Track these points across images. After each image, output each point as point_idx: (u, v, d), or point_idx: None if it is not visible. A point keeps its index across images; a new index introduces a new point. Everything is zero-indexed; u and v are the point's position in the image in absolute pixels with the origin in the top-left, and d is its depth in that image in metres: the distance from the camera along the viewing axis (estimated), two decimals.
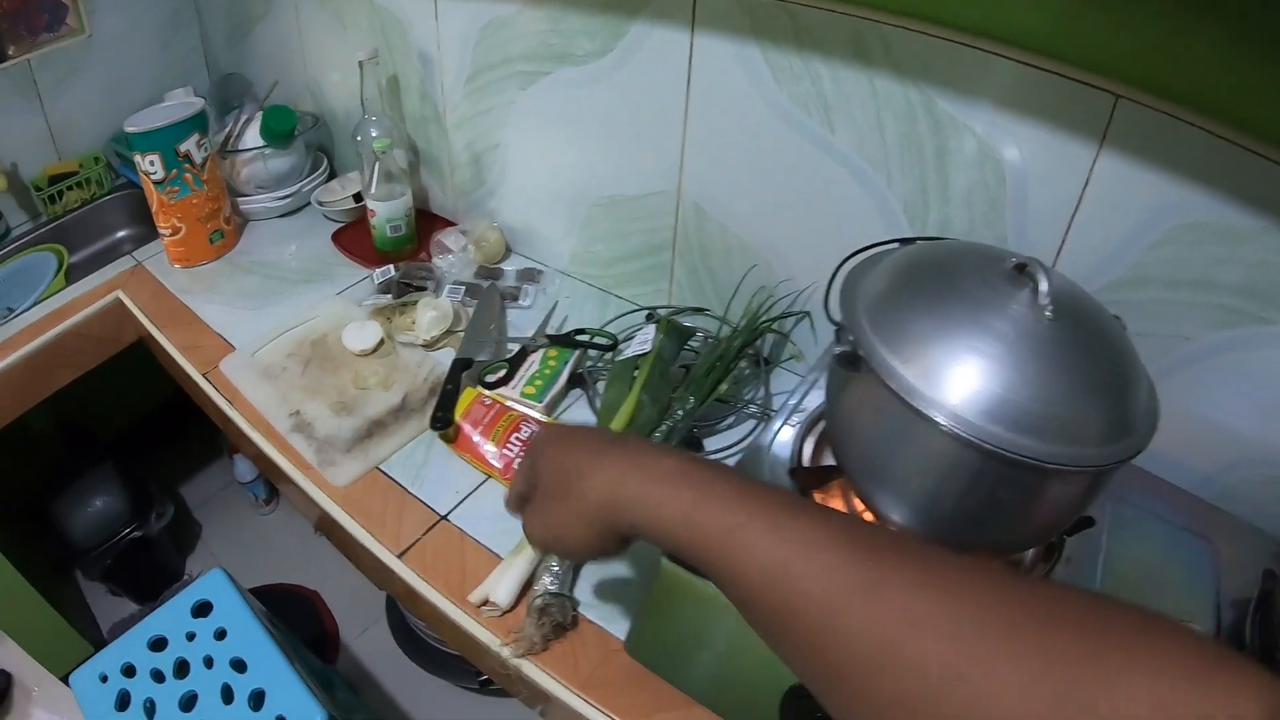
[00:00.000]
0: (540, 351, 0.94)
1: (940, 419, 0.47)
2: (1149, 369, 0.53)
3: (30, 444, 1.50)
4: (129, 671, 0.95)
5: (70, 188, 1.35)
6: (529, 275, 1.11)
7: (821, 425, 0.70)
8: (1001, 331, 0.48)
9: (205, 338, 1.06)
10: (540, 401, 0.89)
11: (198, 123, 1.12)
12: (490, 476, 0.84)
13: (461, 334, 0.99)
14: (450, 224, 1.19)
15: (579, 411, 0.93)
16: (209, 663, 0.96)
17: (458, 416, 0.86)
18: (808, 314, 0.92)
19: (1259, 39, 0.54)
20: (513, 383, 0.91)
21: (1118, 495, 0.66)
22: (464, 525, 0.80)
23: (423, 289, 1.06)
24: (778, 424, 0.70)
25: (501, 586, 0.71)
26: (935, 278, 0.54)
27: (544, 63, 0.97)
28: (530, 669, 0.69)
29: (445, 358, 0.97)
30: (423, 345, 0.99)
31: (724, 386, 0.85)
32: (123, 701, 0.93)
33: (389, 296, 1.04)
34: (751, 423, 0.90)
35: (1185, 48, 0.58)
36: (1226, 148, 0.58)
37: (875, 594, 0.33)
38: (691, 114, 0.88)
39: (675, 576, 0.62)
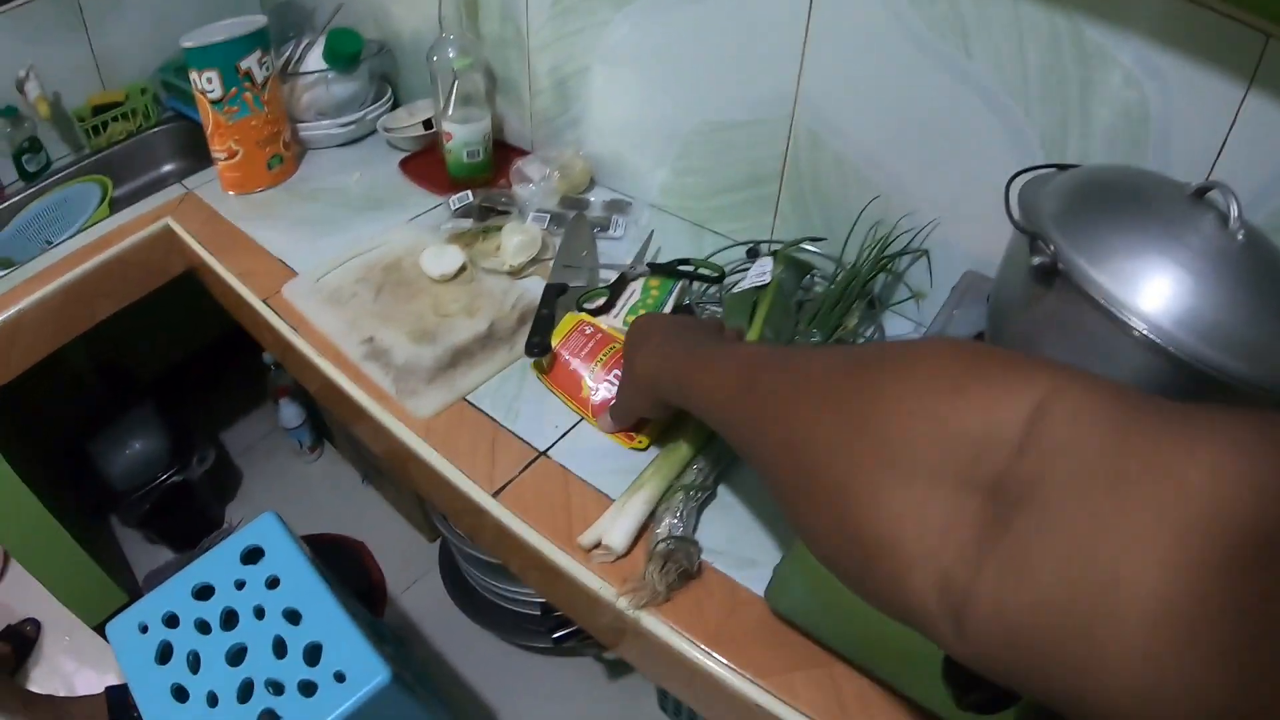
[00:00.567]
0: (641, 280, 0.85)
1: (1142, 328, 0.47)
2: None
3: (68, 382, 1.43)
4: (171, 621, 0.87)
5: (115, 119, 1.28)
6: (616, 206, 1.02)
7: None
8: (1198, 248, 0.48)
9: (264, 263, 0.98)
10: None
11: (260, 38, 1.03)
12: (583, 418, 0.75)
13: (549, 262, 0.91)
14: (525, 153, 1.11)
15: None
16: (260, 613, 0.88)
17: (555, 344, 0.77)
18: (925, 252, 0.84)
19: None
20: (614, 311, 0.82)
21: None
22: (566, 462, 0.72)
23: (506, 213, 0.97)
24: None
25: (616, 529, 0.63)
26: (1122, 196, 0.54)
27: None
28: (650, 621, 0.61)
29: (532, 286, 0.89)
30: (508, 272, 0.91)
31: (852, 321, 0.77)
32: (164, 654, 0.85)
33: (469, 222, 0.96)
34: None
35: None
36: None
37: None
38: (812, 34, 0.79)
39: None
